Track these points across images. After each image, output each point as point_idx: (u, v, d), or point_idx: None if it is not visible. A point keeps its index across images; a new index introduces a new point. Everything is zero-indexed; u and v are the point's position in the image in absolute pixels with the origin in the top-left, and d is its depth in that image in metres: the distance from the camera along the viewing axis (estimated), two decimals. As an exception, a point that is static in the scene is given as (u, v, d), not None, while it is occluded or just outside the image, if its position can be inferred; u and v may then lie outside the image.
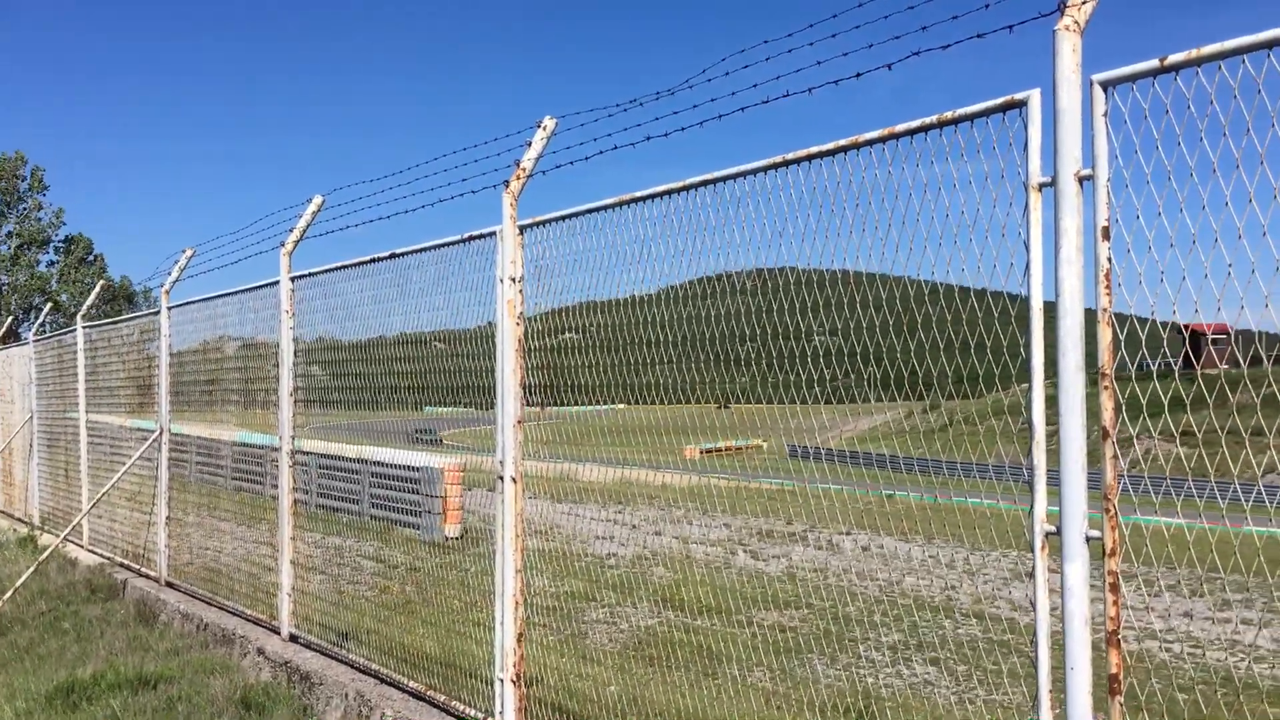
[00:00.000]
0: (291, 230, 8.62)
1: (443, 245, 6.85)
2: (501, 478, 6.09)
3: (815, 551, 16.96)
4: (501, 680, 6.03)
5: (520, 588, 6.02)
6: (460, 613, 7.29)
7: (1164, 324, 3.58)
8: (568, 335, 6.47)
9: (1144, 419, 3.65)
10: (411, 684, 7.06)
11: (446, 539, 9.96)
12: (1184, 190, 3.18)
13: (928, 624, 11.90)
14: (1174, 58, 3.12)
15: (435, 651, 7.22)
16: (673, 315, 5.78)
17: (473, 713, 6.41)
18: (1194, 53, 3.08)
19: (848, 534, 18.32)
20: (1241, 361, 4.36)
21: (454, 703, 6.61)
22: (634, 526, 16.32)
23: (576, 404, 6.69)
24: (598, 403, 6.66)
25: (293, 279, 8.66)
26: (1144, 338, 3.77)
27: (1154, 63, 3.17)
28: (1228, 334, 4.45)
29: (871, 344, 4.80)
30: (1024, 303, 3.56)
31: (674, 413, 6.51)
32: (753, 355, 5.59)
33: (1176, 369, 3.79)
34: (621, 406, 7.07)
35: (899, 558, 15.93)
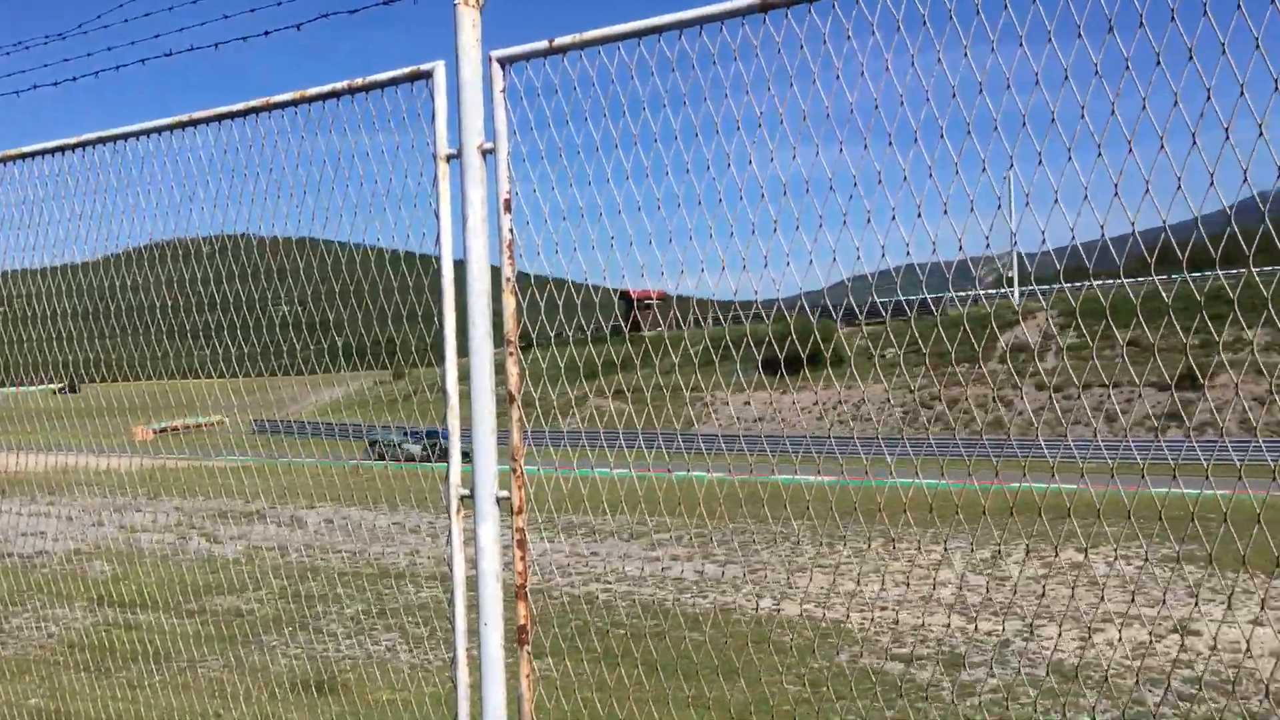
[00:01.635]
0: None
1: None
2: None
3: (277, 529, 16.41)
4: (-126, 714, 5.14)
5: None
6: None
7: (563, 286, 3.82)
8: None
9: (595, 380, 3.88)
10: None
11: None
12: (573, 166, 3.39)
13: (391, 591, 12.00)
14: (560, 40, 3.31)
15: None
16: (109, 283, 5.26)
17: None
18: (577, 37, 3.28)
19: (312, 508, 17.96)
20: (682, 323, 4.74)
21: None
22: (69, 518, 14.75)
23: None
24: (27, 383, 5.91)
25: None
26: (556, 304, 4.00)
27: (544, 44, 3.34)
28: (666, 298, 4.86)
29: (332, 312, 4.67)
30: (436, 271, 3.60)
31: (125, 390, 5.96)
32: (214, 326, 5.22)
33: (610, 329, 4.07)
34: (56, 386, 6.35)
35: (364, 528, 15.90)
